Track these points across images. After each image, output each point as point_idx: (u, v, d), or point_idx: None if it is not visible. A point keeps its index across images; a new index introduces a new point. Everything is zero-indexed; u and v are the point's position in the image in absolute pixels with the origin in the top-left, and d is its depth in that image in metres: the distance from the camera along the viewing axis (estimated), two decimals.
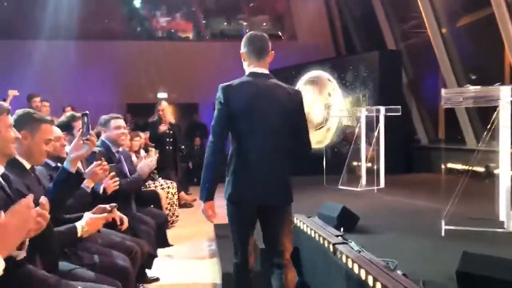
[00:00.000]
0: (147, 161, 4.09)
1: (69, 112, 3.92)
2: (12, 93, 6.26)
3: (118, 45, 11.06)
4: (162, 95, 10.99)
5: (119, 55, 10.83)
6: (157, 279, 4.03)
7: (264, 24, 12.73)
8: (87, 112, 2.46)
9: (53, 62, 9.94)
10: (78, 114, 3.17)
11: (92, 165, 2.69)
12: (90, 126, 2.44)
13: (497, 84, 3.42)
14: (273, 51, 2.66)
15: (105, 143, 3.74)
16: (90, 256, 2.62)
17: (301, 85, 9.51)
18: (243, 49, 2.68)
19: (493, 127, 3.50)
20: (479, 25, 7.18)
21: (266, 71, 2.63)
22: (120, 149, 3.90)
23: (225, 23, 12.48)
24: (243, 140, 2.55)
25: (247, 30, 12.27)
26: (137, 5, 11.76)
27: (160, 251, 4.58)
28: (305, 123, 2.65)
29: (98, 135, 3.95)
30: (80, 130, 2.43)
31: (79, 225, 2.16)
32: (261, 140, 2.53)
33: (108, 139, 3.78)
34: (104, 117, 3.95)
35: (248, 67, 2.66)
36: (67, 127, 3.30)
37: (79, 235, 2.15)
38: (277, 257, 2.63)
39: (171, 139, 7.24)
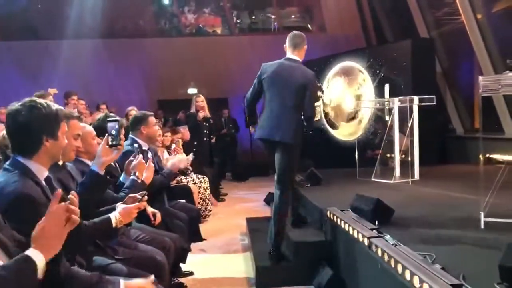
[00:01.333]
0: (181, 158, 4.15)
1: (101, 114, 3.96)
2: (52, 91, 6.40)
3: (148, 43, 11.18)
4: (192, 90, 11.06)
5: (149, 52, 10.96)
6: (191, 273, 4.06)
7: (293, 16, 12.61)
8: (118, 119, 2.50)
9: (84, 61, 10.14)
10: (112, 115, 3.19)
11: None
12: (120, 131, 2.46)
13: None
14: (305, 46, 3.91)
15: (135, 141, 3.77)
16: (126, 251, 2.66)
17: (331, 76, 9.38)
18: (286, 44, 3.91)
19: None
20: None
21: (295, 58, 3.85)
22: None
23: (254, 17, 12.44)
24: (266, 99, 3.85)
25: (276, 23, 12.21)
26: (166, 2, 11.83)
27: (193, 246, 4.63)
28: (310, 96, 3.74)
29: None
30: (107, 135, 2.42)
31: (112, 215, 2.19)
32: (274, 100, 3.77)
33: (141, 137, 3.80)
34: (138, 114, 3.98)
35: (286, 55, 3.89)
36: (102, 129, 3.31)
37: (114, 225, 2.18)
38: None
39: (207, 131, 7.33)
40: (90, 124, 3.00)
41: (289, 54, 3.86)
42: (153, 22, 11.83)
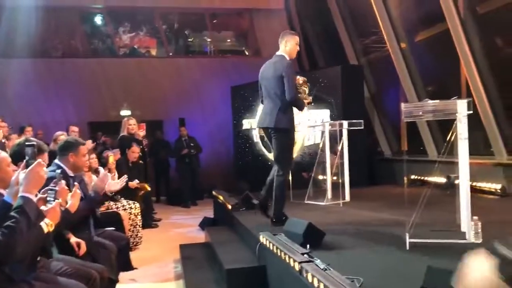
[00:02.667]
0: (110, 181, 3.93)
1: (18, 140, 3.72)
2: None
3: (79, 63, 10.82)
4: (125, 112, 10.78)
5: (81, 73, 10.61)
6: None
7: (228, 40, 12.75)
8: (34, 143, 2.38)
9: (10, 80, 9.63)
10: (32, 139, 3.01)
11: (52, 204, 2.42)
12: (36, 157, 2.33)
13: (454, 98, 3.49)
14: (292, 41, 4.41)
15: (60, 167, 3.57)
16: (43, 286, 2.48)
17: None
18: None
19: (452, 139, 3.56)
20: (437, 40, 7.40)
21: (280, 53, 4.39)
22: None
23: (189, 39, 12.43)
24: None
25: (212, 47, 12.28)
26: (99, 22, 11.54)
27: (124, 275, 4.43)
28: (287, 81, 4.18)
29: (51, 154, 3.79)
30: (25, 161, 2.28)
31: (42, 224, 2.05)
32: (265, 96, 4.40)
33: (67, 164, 3.60)
34: (69, 139, 3.76)
35: None
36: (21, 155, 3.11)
37: (45, 231, 2.05)
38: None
39: (141, 154, 7.16)
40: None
41: (279, 51, 4.41)
42: (85, 42, 11.47)
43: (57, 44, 11.20)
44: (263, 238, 3.67)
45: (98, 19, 11.50)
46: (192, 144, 9.61)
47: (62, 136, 5.49)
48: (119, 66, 10.89)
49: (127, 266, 4.87)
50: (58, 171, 3.38)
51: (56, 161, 3.61)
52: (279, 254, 3.25)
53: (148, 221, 7.24)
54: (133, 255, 5.13)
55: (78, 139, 3.80)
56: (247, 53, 12.46)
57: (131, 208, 5.81)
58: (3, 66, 9.77)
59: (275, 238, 3.53)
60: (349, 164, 6.04)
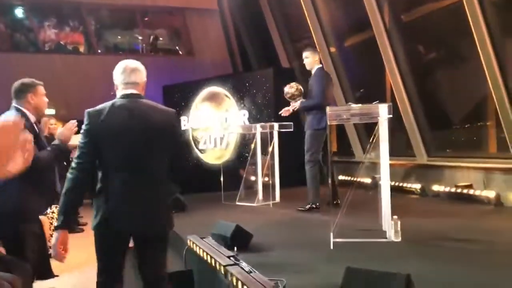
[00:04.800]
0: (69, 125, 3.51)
1: None
2: None
3: (1, 58, 10.11)
4: (49, 111, 10.22)
5: (3, 68, 9.91)
6: None
7: (161, 38, 12.51)
8: None
9: None
10: None
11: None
12: None
13: (376, 102, 3.63)
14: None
15: (22, 111, 3.18)
16: None
17: (199, 101, 9.45)
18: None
19: (374, 141, 3.71)
20: (364, 45, 7.69)
21: None
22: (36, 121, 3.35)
23: (119, 37, 12.05)
24: None
25: (143, 44, 11.98)
26: (20, 15, 10.86)
27: (41, 284, 4.18)
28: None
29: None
30: None
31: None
32: None
33: (28, 107, 3.22)
34: (25, 82, 3.34)
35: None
36: None
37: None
38: None
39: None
40: None
41: None
42: (5, 35, 10.77)
43: None
44: (190, 242, 3.61)
45: (19, 12, 10.81)
46: None
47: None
48: (44, 62, 10.29)
49: (47, 273, 4.62)
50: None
51: (15, 104, 3.24)
52: (205, 257, 3.21)
53: (72, 226, 6.90)
54: (54, 262, 4.87)
55: (33, 80, 3.42)
56: (180, 53, 12.28)
57: (53, 212, 5.49)
58: None
59: (202, 242, 3.49)
60: (280, 165, 6.11)
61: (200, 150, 9.44)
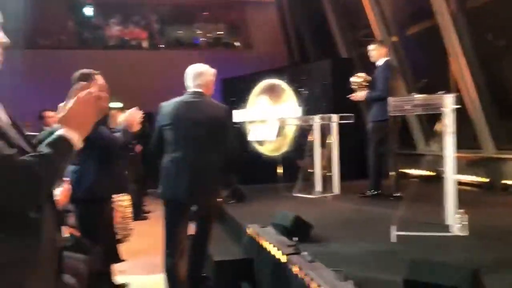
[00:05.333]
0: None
1: None
2: None
3: (68, 55, 10.71)
4: (115, 104, 10.71)
5: (70, 64, 10.45)
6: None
7: (219, 32, 12.71)
8: None
9: None
10: None
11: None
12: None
13: (441, 92, 3.52)
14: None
15: None
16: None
17: (256, 93, 9.53)
18: None
19: (439, 133, 3.60)
20: (427, 34, 7.42)
21: None
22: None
23: (180, 31, 12.37)
24: None
25: (203, 39, 12.24)
26: (88, 13, 11.41)
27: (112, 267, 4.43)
28: None
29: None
30: None
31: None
32: None
33: None
34: (84, 71, 3.51)
35: None
36: None
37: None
38: None
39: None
40: None
41: None
42: (74, 34, 11.37)
43: (45, 35, 11.07)
44: (250, 231, 3.69)
45: (88, 11, 11.35)
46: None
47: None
48: (110, 58, 10.76)
49: (115, 258, 4.89)
50: None
51: None
52: (266, 246, 3.27)
53: (139, 213, 7.24)
54: (122, 247, 5.15)
55: (92, 70, 3.56)
56: (238, 46, 12.42)
57: (120, 201, 5.77)
58: None
59: (263, 231, 3.55)
60: (340, 157, 6.06)
61: (258, 142, 9.53)
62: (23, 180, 1.25)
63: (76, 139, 1.40)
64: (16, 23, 9.80)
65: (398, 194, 5.05)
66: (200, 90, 3.32)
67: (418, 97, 3.61)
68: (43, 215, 1.37)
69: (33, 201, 1.30)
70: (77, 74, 3.55)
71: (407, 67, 7.84)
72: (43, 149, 1.34)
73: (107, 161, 3.54)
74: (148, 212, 7.83)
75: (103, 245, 3.76)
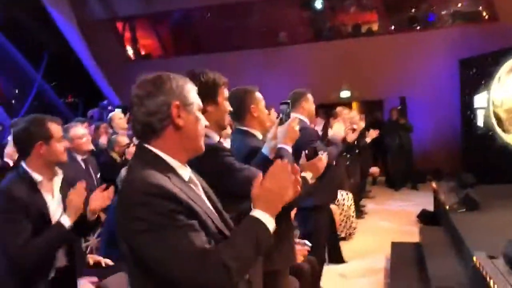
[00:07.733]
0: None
1: None
2: None
3: (302, 48, 11.17)
4: (345, 93, 10.85)
5: (302, 58, 10.93)
6: None
7: (459, 4, 11.35)
8: (288, 101, 2.55)
9: (244, 70, 10.59)
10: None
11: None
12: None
13: None
14: None
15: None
16: None
17: (504, 73, 8.25)
18: None
19: None
20: None
21: None
22: None
23: (411, 10, 11.53)
24: None
25: (438, 14, 11.14)
26: (318, 6, 11.59)
27: (331, 269, 4.59)
28: None
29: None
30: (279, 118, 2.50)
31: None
32: None
33: (303, 113, 3.64)
34: (296, 90, 3.70)
35: None
36: None
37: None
38: None
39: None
40: None
41: None
42: (307, 28, 11.80)
43: (280, 32, 11.82)
44: (476, 260, 3.26)
45: (317, 3, 11.56)
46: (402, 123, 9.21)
47: None
48: (338, 47, 10.79)
49: (338, 258, 5.03)
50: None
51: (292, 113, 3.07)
52: (492, 285, 2.84)
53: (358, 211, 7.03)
54: (345, 246, 5.25)
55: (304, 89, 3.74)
56: (483, 17, 10.83)
57: (343, 199, 5.83)
58: (238, 58, 10.87)
59: (491, 264, 3.09)
60: None
61: (505, 131, 8.29)
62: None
63: (269, 222, 1.36)
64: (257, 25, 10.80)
65: None
66: None
67: None
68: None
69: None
70: (291, 93, 3.73)
71: None
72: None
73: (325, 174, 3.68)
74: (363, 206, 7.64)
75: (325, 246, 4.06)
